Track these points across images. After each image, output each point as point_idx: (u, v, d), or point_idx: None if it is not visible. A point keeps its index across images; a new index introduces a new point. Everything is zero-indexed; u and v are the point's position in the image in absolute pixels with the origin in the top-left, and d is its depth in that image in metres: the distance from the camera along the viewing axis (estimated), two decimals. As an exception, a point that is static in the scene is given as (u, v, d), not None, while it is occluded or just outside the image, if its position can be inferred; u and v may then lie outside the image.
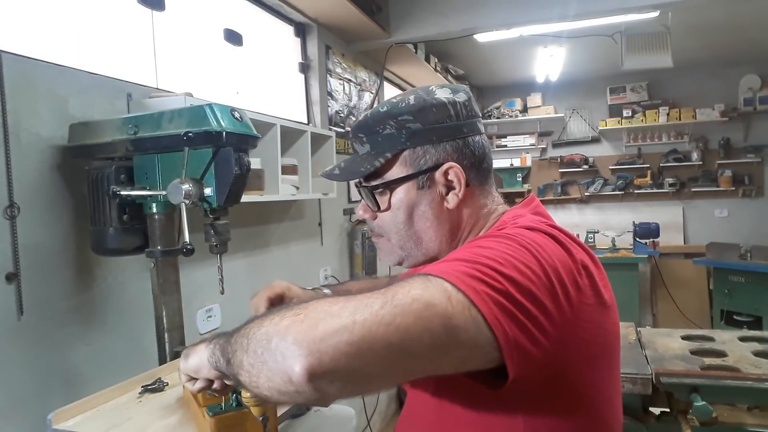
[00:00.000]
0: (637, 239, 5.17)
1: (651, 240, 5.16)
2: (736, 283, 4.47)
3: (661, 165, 5.91)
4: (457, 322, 0.54)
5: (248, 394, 0.75)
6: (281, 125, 2.11)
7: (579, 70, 5.45)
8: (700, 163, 5.76)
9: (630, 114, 5.90)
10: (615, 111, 6.02)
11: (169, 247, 1.30)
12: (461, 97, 0.81)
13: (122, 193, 1.24)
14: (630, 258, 4.97)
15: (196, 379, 0.77)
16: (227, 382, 0.76)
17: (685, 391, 1.60)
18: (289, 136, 2.31)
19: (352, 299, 0.54)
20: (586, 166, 6.16)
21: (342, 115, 3.17)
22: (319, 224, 2.86)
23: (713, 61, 5.44)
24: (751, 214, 5.68)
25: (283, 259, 2.49)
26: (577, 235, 0.76)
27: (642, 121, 5.83)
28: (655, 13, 3.18)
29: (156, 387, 1.11)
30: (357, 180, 0.84)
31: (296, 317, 0.53)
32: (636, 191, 5.99)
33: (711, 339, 1.98)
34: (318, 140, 2.53)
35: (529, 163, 6.36)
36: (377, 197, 0.81)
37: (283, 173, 2.14)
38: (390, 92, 4.26)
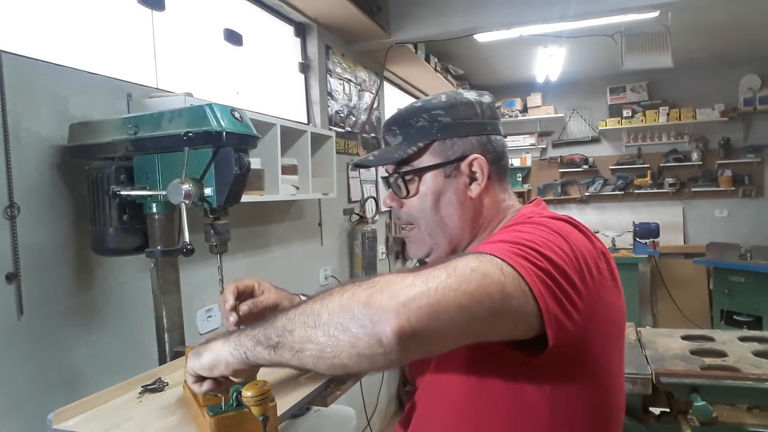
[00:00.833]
0: (637, 239, 5.17)
1: (651, 240, 5.16)
2: (736, 283, 4.47)
3: (661, 165, 5.91)
4: (510, 290, 0.61)
5: (248, 394, 0.75)
6: (281, 125, 2.11)
7: (579, 70, 5.45)
8: (700, 163, 5.76)
9: (630, 114, 5.90)
10: (615, 111, 6.02)
11: (169, 247, 1.30)
12: (486, 99, 0.91)
13: (122, 193, 1.24)
14: (630, 258, 4.97)
15: (203, 380, 0.78)
16: (231, 380, 0.78)
17: (685, 391, 1.60)
18: (289, 136, 2.31)
19: (417, 273, 0.60)
20: (586, 166, 6.16)
21: (342, 115, 3.17)
22: (319, 224, 2.86)
23: (713, 61, 5.44)
24: (751, 214, 5.68)
25: (283, 259, 2.49)
26: None
27: (642, 121, 5.83)
28: (655, 13, 3.18)
29: (156, 387, 1.11)
30: (386, 171, 0.91)
31: (372, 289, 0.58)
32: (636, 191, 5.99)
33: (711, 339, 1.98)
34: (318, 140, 2.53)
35: (529, 163, 6.36)
36: (408, 184, 0.88)
37: (283, 173, 2.14)
38: (390, 92, 4.25)
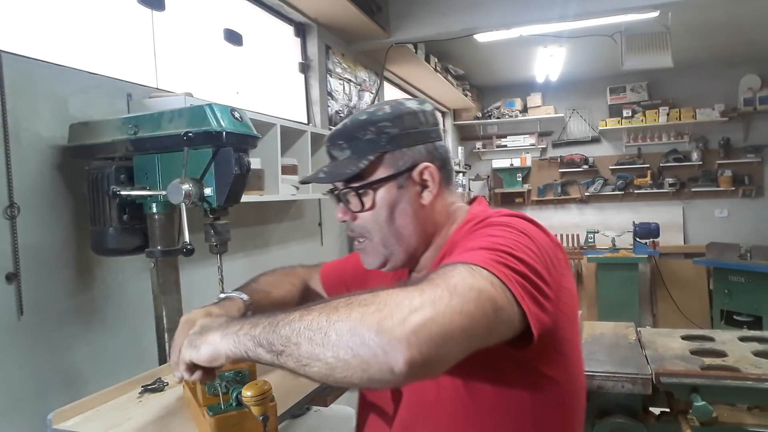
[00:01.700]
0: (637, 239, 5.17)
1: (651, 240, 5.15)
2: (736, 283, 4.46)
3: (661, 165, 5.91)
4: (500, 303, 0.64)
5: (248, 394, 0.75)
6: (281, 125, 2.11)
7: (579, 70, 5.45)
8: (700, 163, 5.76)
9: (630, 114, 5.90)
10: (615, 111, 6.02)
11: (169, 247, 1.30)
12: (428, 107, 0.93)
13: (122, 193, 1.24)
14: (630, 258, 4.97)
15: (195, 369, 0.78)
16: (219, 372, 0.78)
17: (685, 391, 1.60)
18: (289, 136, 2.31)
19: (420, 290, 0.61)
20: (586, 166, 6.16)
21: (342, 115, 3.17)
22: (319, 224, 2.86)
23: (713, 61, 5.44)
24: (751, 214, 5.68)
25: (283, 259, 2.49)
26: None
27: (642, 121, 5.83)
28: (655, 13, 3.18)
29: (156, 387, 1.11)
30: (334, 186, 0.92)
31: (381, 312, 0.59)
32: (636, 191, 5.99)
33: (711, 339, 1.98)
34: (318, 140, 2.53)
35: (529, 163, 6.35)
36: (362, 197, 0.88)
37: (283, 173, 2.14)
38: (390, 92, 4.25)
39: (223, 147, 1.17)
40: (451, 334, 0.59)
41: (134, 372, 1.18)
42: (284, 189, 2.16)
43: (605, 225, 5.84)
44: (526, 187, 6.34)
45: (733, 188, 5.65)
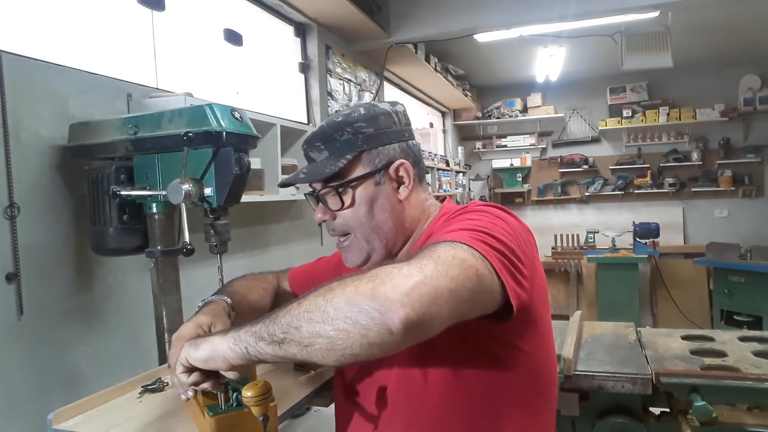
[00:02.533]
0: (637, 239, 5.17)
1: (651, 240, 5.15)
2: (736, 283, 4.46)
3: (661, 165, 5.91)
4: (482, 271, 0.69)
5: (249, 394, 0.75)
6: (281, 125, 2.11)
7: (579, 70, 5.45)
8: (700, 163, 5.76)
9: (630, 114, 5.90)
10: (615, 111, 6.02)
11: (169, 247, 1.30)
12: (400, 108, 0.98)
13: (122, 193, 1.24)
14: (630, 258, 4.96)
15: (193, 371, 0.79)
16: (225, 378, 0.80)
17: (685, 391, 1.60)
18: (289, 136, 2.31)
19: (408, 263, 0.66)
20: (586, 166, 6.16)
21: (342, 115, 3.17)
22: (319, 224, 2.85)
23: (713, 61, 5.44)
24: (751, 214, 5.69)
25: (283, 259, 2.49)
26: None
27: (642, 121, 5.83)
28: (655, 13, 3.18)
29: (156, 387, 1.11)
30: (312, 187, 0.95)
31: (374, 281, 0.63)
32: (636, 191, 5.99)
33: (711, 339, 1.98)
34: (318, 140, 2.53)
35: (529, 163, 6.35)
36: (342, 196, 0.92)
37: (283, 173, 2.14)
38: (390, 92, 4.25)
39: (223, 147, 1.17)
40: (440, 293, 0.63)
41: (134, 372, 1.18)
42: (284, 189, 2.16)
43: (605, 225, 5.84)
44: (526, 187, 6.34)
45: (733, 188, 5.65)
